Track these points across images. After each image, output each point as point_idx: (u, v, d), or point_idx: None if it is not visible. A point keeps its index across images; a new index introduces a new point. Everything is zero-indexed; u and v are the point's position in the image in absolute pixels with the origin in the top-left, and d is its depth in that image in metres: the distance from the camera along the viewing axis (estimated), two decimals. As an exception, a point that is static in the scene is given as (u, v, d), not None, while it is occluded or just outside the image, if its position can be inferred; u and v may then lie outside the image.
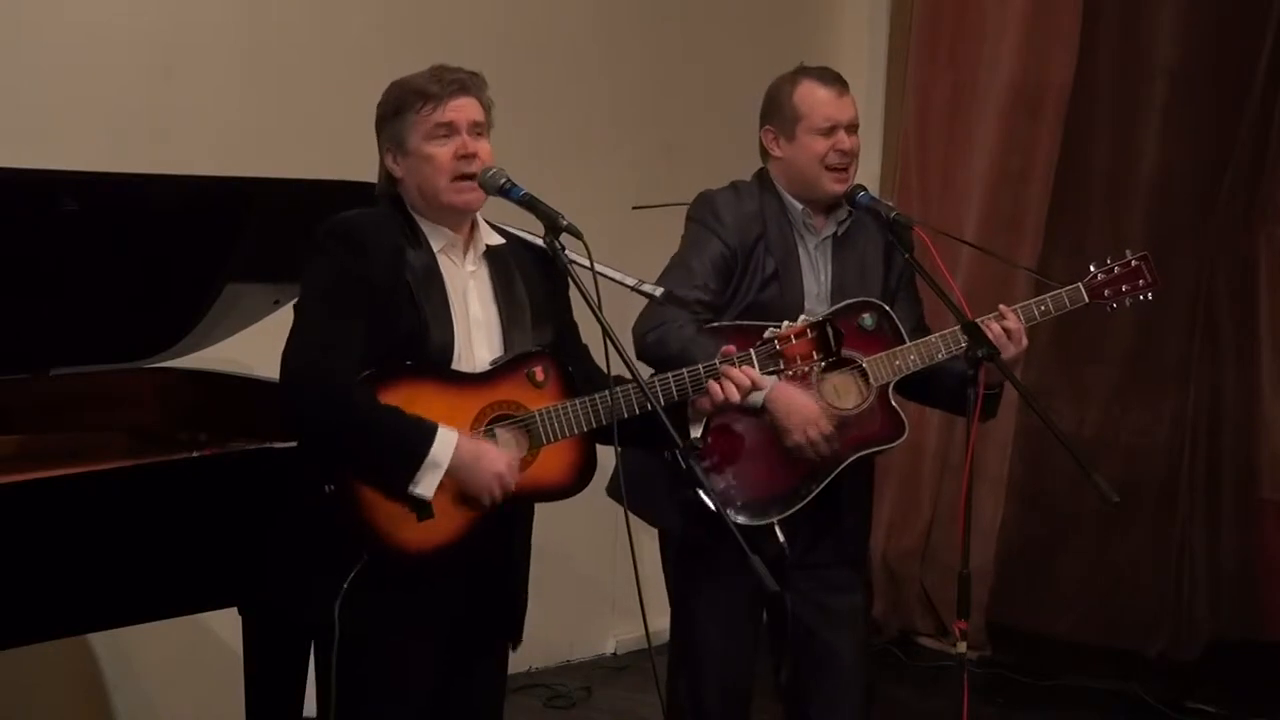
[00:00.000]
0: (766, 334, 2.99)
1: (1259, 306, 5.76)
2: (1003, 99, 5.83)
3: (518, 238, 3.05)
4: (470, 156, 2.90)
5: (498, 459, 2.85)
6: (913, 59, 6.08)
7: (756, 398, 3.17)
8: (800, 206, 3.56)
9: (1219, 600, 5.80)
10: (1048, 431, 3.52)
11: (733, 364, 2.97)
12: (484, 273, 2.99)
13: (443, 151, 2.89)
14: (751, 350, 2.98)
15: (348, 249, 2.87)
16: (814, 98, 3.53)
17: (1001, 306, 3.49)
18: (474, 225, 3.00)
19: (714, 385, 2.95)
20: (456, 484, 2.84)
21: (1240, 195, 5.72)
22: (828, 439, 3.41)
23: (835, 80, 3.56)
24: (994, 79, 5.85)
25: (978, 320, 3.44)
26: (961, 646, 3.48)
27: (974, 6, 5.93)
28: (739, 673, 3.63)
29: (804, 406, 3.40)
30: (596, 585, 5.48)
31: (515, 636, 3.09)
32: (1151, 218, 5.69)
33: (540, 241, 2.98)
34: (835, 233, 3.58)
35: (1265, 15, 5.58)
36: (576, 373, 3.01)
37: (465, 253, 2.98)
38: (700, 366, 2.97)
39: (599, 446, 2.99)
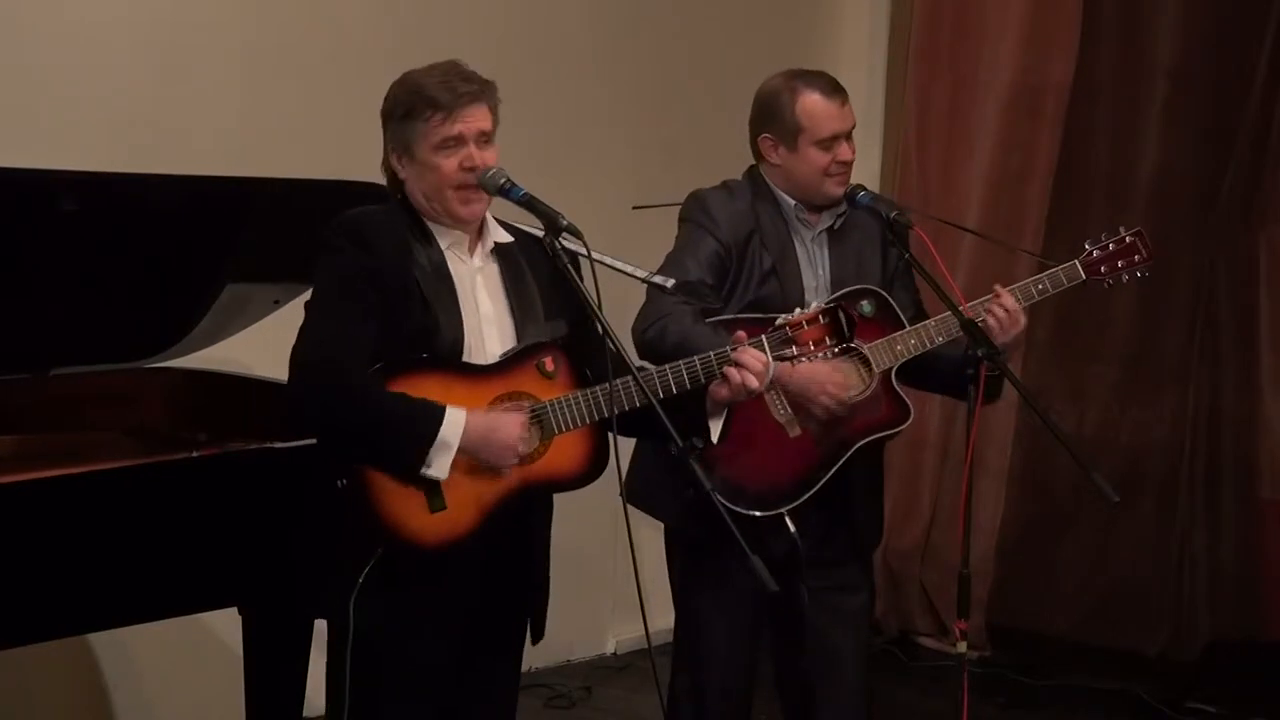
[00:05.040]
0: (778, 320, 2.99)
1: (1259, 306, 5.76)
2: (1003, 99, 5.84)
3: (527, 233, 3.06)
4: (475, 169, 2.91)
5: (509, 427, 2.84)
6: (913, 59, 6.08)
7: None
8: (794, 203, 3.56)
9: (1219, 600, 5.80)
10: (1048, 430, 3.52)
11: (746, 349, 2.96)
12: (493, 269, 3.00)
13: (449, 163, 2.90)
14: (763, 336, 2.97)
15: (356, 245, 2.89)
16: (818, 111, 3.50)
17: (996, 286, 3.49)
18: (482, 223, 3.01)
19: (732, 372, 2.94)
20: (470, 470, 2.85)
21: (1240, 195, 5.72)
22: (845, 395, 3.42)
23: (836, 90, 3.54)
24: (994, 79, 5.85)
25: (975, 303, 3.46)
26: (961, 646, 3.49)
27: (974, 7, 5.93)
28: (742, 673, 3.63)
29: (816, 370, 3.37)
30: (597, 585, 5.47)
31: (537, 630, 3.08)
32: (1151, 218, 5.67)
33: (537, 234, 2.99)
34: (831, 226, 3.59)
35: (1265, 16, 5.58)
36: (596, 364, 3.00)
37: (473, 250, 2.99)
38: (712, 354, 2.97)
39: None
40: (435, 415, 2.81)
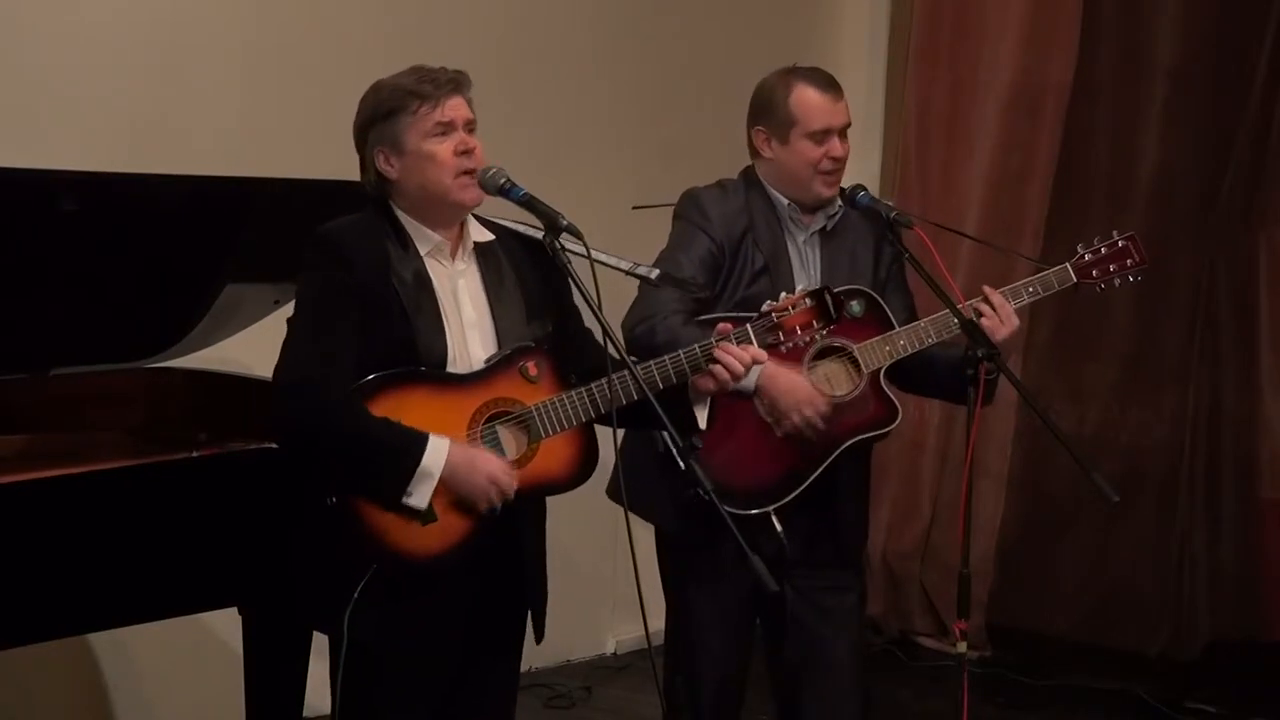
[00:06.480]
0: (764, 307, 2.98)
1: (1259, 306, 5.77)
2: (1003, 99, 5.84)
3: (508, 230, 3.05)
4: (470, 151, 2.91)
5: (491, 463, 2.85)
6: (912, 59, 6.08)
7: (749, 382, 3.17)
8: (786, 202, 3.56)
9: (1219, 600, 5.81)
10: (1048, 430, 3.52)
11: (730, 341, 2.96)
12: (474, 271, 2.99)
13: (444, 149, 2.90)
14: (748, 325, 2.97)
15: (333, 260, 2.88)
16: (811, 103, 3.51)
17: (985, 288, 3.49)
18: (462, 224, 3.00)
19: (716, 368, 2.94)
20: (454, 490, 2.85)
21: (1240, 195, 5.73)
22: (823, 418, 3.40)
23: (830, 85, 3.55)
24: (994, 79, 5.86)
25: (966, 304, 3.46)
26: (961, 646, 3.48)
27: (974, 6, 5.93)
28: (737, 669, 3.63)
29: (797, 387, 3.38)
30: (596, 585, 5.47)
31: (538, 631, 3.07)
32: (1151, 218, 5.70)
33: (532, 233, 2.99)
34: (824, 227, 3.59)
35: (1265, 16, 5.59)
36: (581, 358, 3.00)
37: (454, 253, 2.98)
38: (697, 346, 2.96)
39: (602, 437, 2.98)
40: (418, 445, 2.80)
